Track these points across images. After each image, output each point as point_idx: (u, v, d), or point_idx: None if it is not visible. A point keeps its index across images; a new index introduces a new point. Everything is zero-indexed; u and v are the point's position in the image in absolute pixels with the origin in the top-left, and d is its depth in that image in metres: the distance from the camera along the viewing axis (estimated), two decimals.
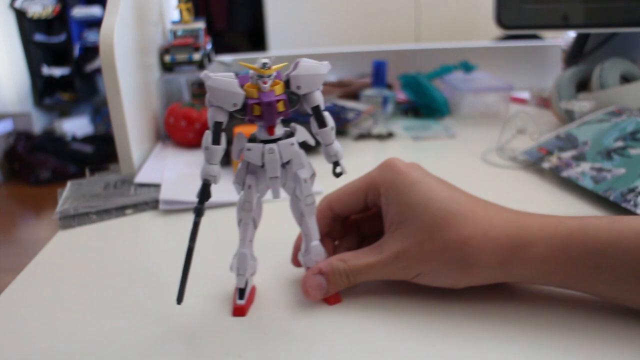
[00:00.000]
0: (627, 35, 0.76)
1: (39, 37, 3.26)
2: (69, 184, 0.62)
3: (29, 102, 3.32)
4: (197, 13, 0.87)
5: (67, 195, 0.58)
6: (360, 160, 0.71)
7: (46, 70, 3.29)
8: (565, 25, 0.73)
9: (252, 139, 0.33)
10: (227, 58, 1.04)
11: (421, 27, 2.01)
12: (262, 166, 0.33)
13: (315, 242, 0.36)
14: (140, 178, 0.62)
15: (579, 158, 0.56)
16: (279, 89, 0.32)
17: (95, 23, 3.21)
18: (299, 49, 1.12)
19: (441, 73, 0.94)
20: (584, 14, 0.71)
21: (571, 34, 0.90)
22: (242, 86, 0.31)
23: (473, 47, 1.06)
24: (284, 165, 0.34)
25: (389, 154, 0.75)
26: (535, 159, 0.60)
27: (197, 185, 0.33)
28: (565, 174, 0.55)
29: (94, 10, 3.16)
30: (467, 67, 0.94)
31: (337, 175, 0.35)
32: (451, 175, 0.35)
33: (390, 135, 0.80)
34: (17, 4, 3.15)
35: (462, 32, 1.94)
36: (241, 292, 0.35)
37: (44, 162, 2.75)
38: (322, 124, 0.34)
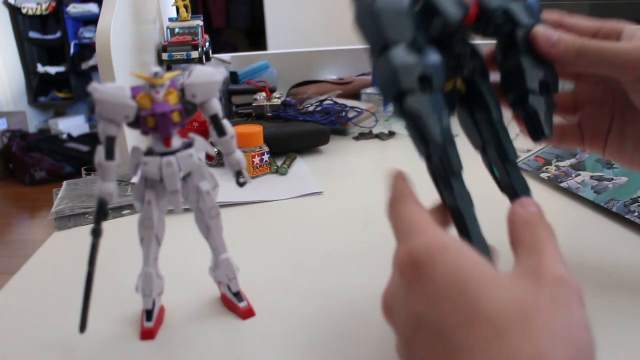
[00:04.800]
0: None
1: (33, 34, 3.23)
2: (64, 184, 0.61)
3: (23, 101, 3.29)
4: (195, 11, 0.86)
5: (63, 195, 0.57)
6: (360, 160, 0.70)
7: (41, 68, 3.26)
8: None
9: (149, 152, 0.31)
10: (225, 56, 1.03)
11: None
12: (161, 180, 0.31)
13: (225, 256, 0.35)
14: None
15: (578, 167, 0.55)
16: (173, 99, 0.30)
17: (91, 20, 3.19)
18: (299, 46, 1.11)
19: None
20: (588, 11, 0.70)
21: None
22: (134, 97, 0.29)
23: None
24: (185, 177, 0.33)
25: (389, 154, 0.74)
26: (533, 169, 0.58)
27: None
28: (564, 184, 0.54)
29: (90, 7, 3.13)
30: None
31: (241, 184, 0.34)
32: None
33: (391, 134, 0.79)
34: (12, 0, 3.12)
35: None
36: (148, 314, 0.34)
37: (39, 162, 2.73)
38: (221, 132, 0.32)
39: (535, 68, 0.32)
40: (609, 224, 0.46)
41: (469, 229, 0.27)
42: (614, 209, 0.46)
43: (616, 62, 0.31)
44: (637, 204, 0.46)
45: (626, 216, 0.45)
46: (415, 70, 0.26)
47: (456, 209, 0.28)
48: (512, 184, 0.30)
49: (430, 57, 0.27)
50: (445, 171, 0.29)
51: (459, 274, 0.21)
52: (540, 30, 0.32)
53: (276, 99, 0.78)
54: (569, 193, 0.53)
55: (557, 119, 0.37)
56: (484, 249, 0.27)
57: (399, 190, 0.27)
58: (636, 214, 0.45)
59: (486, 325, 0.19)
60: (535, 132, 0.32)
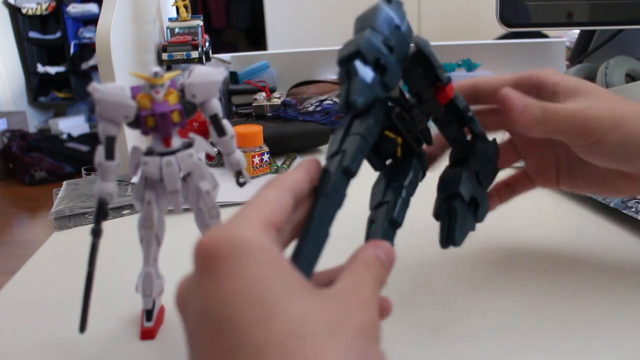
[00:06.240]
0: (633, 32, 0.75)
1: (33, 34, 3.23)
2: (64, 184, 0.61)
3: (23, 101, 3.30)
4: (195, 11, 0.86)
5: (63, 195, 0.57)
6: None
7: (41, 68, 3.26)
8: (570, 23, 0.72)
9: (149, 152, 0.31)
10: (225, 56, 1.03)
11: (422, 25, 2.00)
12: (161, 180, 0.31)
13: None
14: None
15: None
16: (173, 99, 0.30)
17: (91, 20, 3.19)
18: (299, 46, 1.10)
19: None
20: (589, 11, 0.70)
21: (576, 32, 0.89)
22: (134, 97, 0.29)
23: (475, 44, 1.05)
24: (185, 177, 0.33)
25: None
26: None
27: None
28: None
29: (90, 7, 3.13)
30: (469, 66, 0.93)
31: (241, 184, 0.34)
32: None
33: None
34: (12, 0, 3.12)
35: (465, 30, 1.93)
36: (148, 314, 0.34)
37: (39, 162, 2.73)
38: (221, 132, 0.32)
39: (473, 185, 0.34)
40: (607, 219, 0.46)
41: (301, 247, 0.25)
42: (611, 205, 0.47)
43: (570, 128, 0.31)
44: (634, 200, 0.46)
45: (623, 211, 0.45)
46: (375, 51, 0.28)
47: (307, 223, 0.25)
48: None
49: (393, 59, 0.29)
50: (320, 187, 0.26)
51: (263, 279, 0.20)
52: (513, 94, 0.32)
53: (276, 99, 0.78)
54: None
55: (504, 173, 0.39)
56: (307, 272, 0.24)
57: (286, 174, 0.25)
58: (633, 209, 0.45)
59: (285, 323, 0.18)
60: (448, 236, 0.33)
